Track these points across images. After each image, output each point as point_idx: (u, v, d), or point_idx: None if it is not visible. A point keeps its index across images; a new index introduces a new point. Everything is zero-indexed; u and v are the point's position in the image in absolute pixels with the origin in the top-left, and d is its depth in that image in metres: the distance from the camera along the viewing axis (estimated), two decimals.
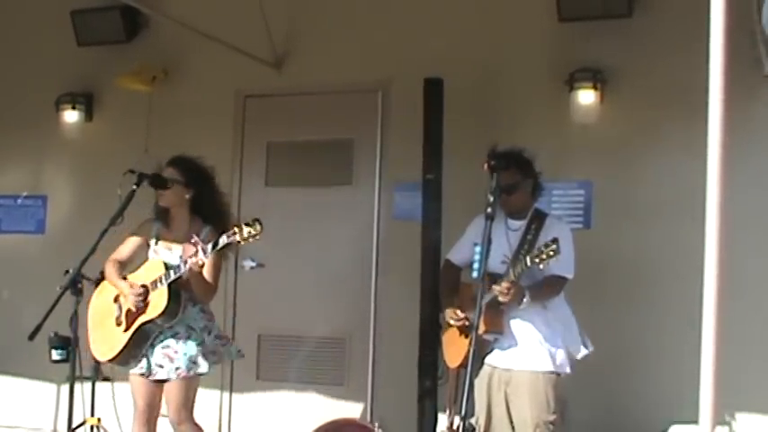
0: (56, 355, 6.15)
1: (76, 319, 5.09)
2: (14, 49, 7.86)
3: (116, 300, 5.07)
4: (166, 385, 4.96)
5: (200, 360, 4.94)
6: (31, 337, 4.85)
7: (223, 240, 4.73)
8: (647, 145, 6.15)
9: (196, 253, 4.73)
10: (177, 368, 4.92)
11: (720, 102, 2.19)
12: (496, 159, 4.68)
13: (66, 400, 5.26)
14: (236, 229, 4.68)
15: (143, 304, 4.89)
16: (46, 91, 7.62)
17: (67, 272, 5.06)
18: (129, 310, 4.96)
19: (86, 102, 7.60)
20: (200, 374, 4.99)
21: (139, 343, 4.95)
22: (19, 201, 7.87)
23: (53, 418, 7.34)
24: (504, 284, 4.55)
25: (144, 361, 4.96)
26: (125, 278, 5.05)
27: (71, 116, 7.57)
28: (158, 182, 5.11)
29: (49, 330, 5.36)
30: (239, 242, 4.71)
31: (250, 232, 4.65)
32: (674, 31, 6.04)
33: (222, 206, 5.20)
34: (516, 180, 4.85)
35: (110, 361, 5.10)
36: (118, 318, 5.01)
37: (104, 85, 7.52)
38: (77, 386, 5.34)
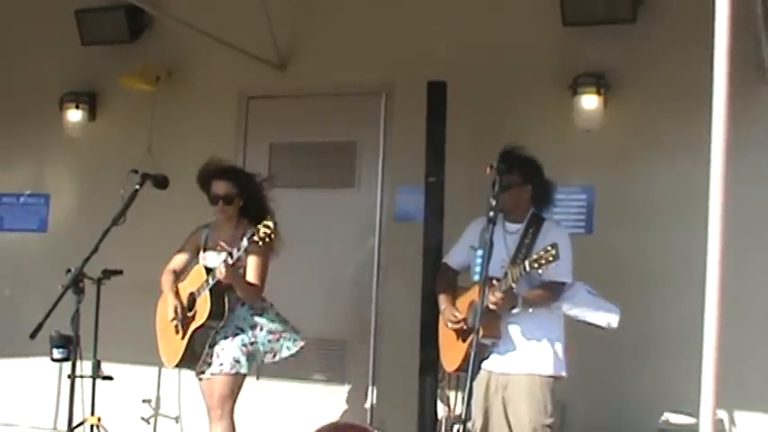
0: (57, 353, 6.15)
1: (78, 318, 5.10)
2: (19, 48, 7.87)
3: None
4: (212, 379, 5.17)
5: (243, 360, 5.15)
6: (33, 335, 4.85)
7: (244, 244, 4.88)
8: (650, 150, 6.15)
9: (225, 260, 4.94)
10: (221, 364, 5.13)
11: (724, 107, 2.19)
12: (499, 163, 4.69)
13: (66, 399, 5.26)
14: (253, 230, 4.81)
15: (188, 316, 5.20)
16: (50, 90, 7.63)
17: (69, 270, 5.07)
18: (185, 318, 5.20)
19: (90, 101, 7.61)
20: (242, 374, 5.18)
21: (197, 347, 5.20)
22: (22, 199, 7.88)
23: (53, 417, 7.35)
24: (498, 296, 4.57)
25: (205, 365, 5.21)
26: (177, 290, 5.32)
27: (75, 115, 7.58)
28: (161, 182, 5.15)
29: (50, 329, 5.37)
30: (257, 242, 4.80)
31: (265, 232, 4.77)
32: (677, 36, 6.04)
33: (267, 206, 5.38)
34: (515, 181, 4.85)
35: (176, 366, 5.38)
36: (176, 326, 5.25)
37: (108, 85, 7.53)
38: (78, 385, 5.34)
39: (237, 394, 5.26)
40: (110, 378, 5.95)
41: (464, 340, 4.85)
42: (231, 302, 5.14)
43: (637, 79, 6.24)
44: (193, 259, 5.40)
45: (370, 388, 6.68)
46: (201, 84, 7.35)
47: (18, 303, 7.41)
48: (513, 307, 4.66)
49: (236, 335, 5.17)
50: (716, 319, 2.07)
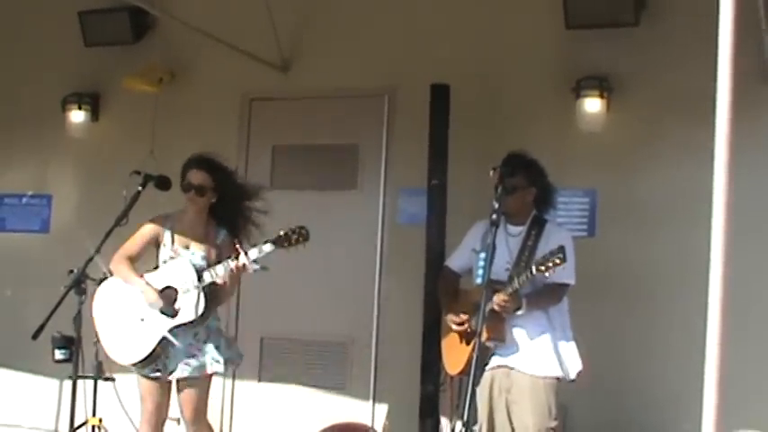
0: (59, 354, 6.13)
1: (80, 319, 5.09)
2: (22, 49, 7.88)
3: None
4: (182, 387, 4.96)
5: (220, 359, 4.96)
6: (35, 336, 4.85)
7: (267, 248, 4.78)
8: (653, 153, 6.15)
9: (237, 256, 4.77)
10: (202, 365, 4.92)
11: (727, 109, 2.19)
12: (503, 166, 4.69)
13: (68, 400, 5.26)
14: (283, 235, 4.76)
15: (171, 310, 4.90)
16: (52, 91, 7.63)
17: (72, 271, 5.06)
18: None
19: (93, 102, 7.61)
20: (219, 373, 5.03)
21: (166, 345, 4.92)
22: (24, 200, 7.88)
23: (55, 418, 7.35)
24: (503, 297, 4.56)
25: (167, 362, 4.94)
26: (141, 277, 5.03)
27: (77, 116, 7.58)
28: (164, 183, 5.09)
29: (52, 330, 5.35)
30: (287, 246, 4.77)
31: (296, 239, 4.75)
32: (680, 39, 6.05)
33: (243, 211, 5.15)
34: (520, 184, 4.85)
35: (134, 364, 5.04)
36: (142, 320, 4.97)
37: (111, 86, 7.54)
38: (79, 386, 5.34)
39: (208, 397, 5.09)
40: (111, 379, 5.94)
41: (467, 343, 4.84)
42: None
43: (639, 82, 6.24)
44: (150, 249, 5.12)
45: (371, 390, 6.67)
46: (204, 85, 7.35)
47: (20, 304, 7.40)
48: (518, 309, 4.65)
49: (208, 336, 4.96)
50: (719, 322, 2.07)
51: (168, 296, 4.92)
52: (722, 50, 2.21)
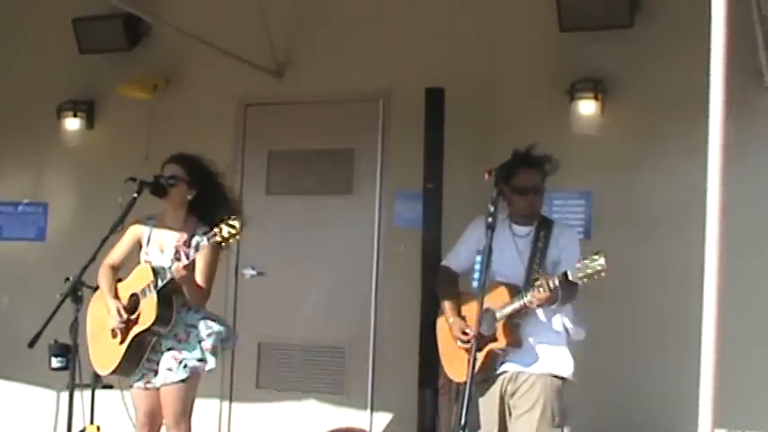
0: (56, 362, 6.13)
1: (76, 327, 5.06)
2: (17, 56, 7.87)
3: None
4: (164, 390, 4.79)
5: (208, 356, 4.81)
6: (31, 344, 4.82)
7: (200, 242, 4.60)
8: (648, 154, 6.15)
9: (179, 258, 4.65)
10: (186, 366, 4.76)
11: (721, 112, 2.19)
12: (497, 169, 4.63)
13: (65, 408, 5.24)
14: (215, 230, 4.51)
15: (130, 319, 4.79)
16: (47, 98, 7.63)
17: (68, 279, 5.04)
18: (127, 321, 4.81)
19: (88, 109, 7.60)
20: (209, 371, 4.84)
21: (137, 353, 4.81)
22: (20, 208, 7.87)
23: (52, 426, 7.33)
24: (544, 296, 4.43)
25: (150, 373, 4.83)
26: (116, 289, 4.96)
27: (72, 123, 7.57)
28: (159, 190, 5.05)
29: (49, 338, 5.34)
30: (220, 243, 4.54)
31: (230, 232, 4.48)
32: (674, 41, 6.05)
33: (223, 207, 4.96)
34: (541, 184, 4.79)
35: (111, 374, 4.98)
36: (113, 330, 4.88)
37: (106, 93, 7.53)
38: (77, 394, 5.32)
39: (193, 403, 4.88)
40: (109, 387, 5.93)
41: (478, 350, 4.70)
42: (177, 306, 4.79)
43: (634, 84, 6.25)
44: (132, 254, 5.03)
45: (369, 395, 6.67)
46: (199, 91, 7.35)
47: (16, 312, 7.39)
48: (554, 302, 4.51)
49: (189, 335, 4.80)
50: (714, 322, 2.07)
51: (133, 303, 4.84)
52: (715, 51, 2.21)
